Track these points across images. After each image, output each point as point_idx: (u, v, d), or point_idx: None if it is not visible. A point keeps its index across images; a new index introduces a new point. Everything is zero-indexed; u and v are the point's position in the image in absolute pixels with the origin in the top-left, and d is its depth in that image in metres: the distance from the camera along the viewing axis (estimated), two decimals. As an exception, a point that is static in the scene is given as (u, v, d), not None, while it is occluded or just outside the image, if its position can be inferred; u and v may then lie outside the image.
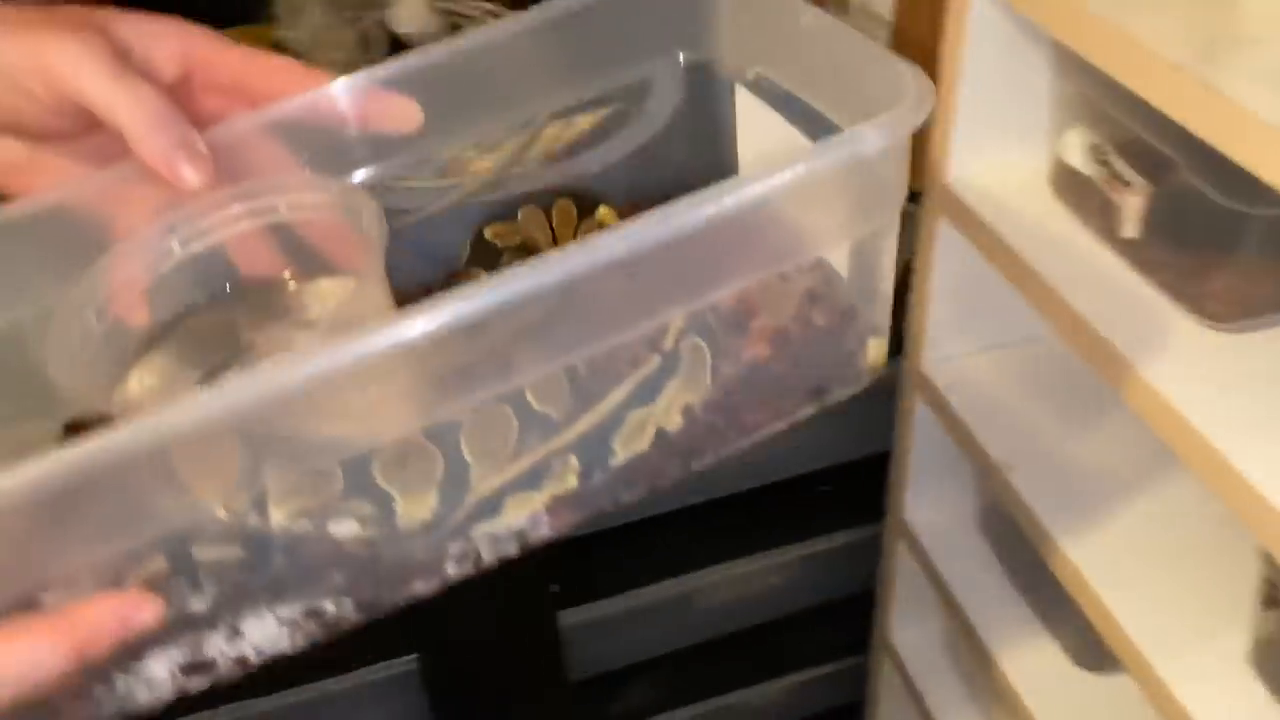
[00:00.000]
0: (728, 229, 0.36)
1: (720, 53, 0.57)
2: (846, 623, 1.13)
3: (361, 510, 0.39)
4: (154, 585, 0.37)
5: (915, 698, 1.01)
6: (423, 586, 0.41)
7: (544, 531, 0.42)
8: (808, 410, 0.45)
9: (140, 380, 0.43)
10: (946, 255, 0.77)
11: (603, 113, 1.00)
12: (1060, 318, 0.62)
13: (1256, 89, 0.46)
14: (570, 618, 1.02)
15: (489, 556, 0.42)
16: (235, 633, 0.38)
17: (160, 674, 0.38)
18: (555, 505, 0.42)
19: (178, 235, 0.43)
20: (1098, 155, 0.62)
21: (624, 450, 0.42)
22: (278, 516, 0.38)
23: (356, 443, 0.37)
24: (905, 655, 1.03)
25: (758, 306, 0.44)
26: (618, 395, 0.42)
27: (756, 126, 0.57)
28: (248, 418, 0.32)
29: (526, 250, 0.59)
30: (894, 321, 0.44)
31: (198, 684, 0.38)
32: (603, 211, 0.60)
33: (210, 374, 0.44)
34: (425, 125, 0.52)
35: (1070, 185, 0.67)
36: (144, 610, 0.34)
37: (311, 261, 0.47)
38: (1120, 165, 0.60)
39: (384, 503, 0.39)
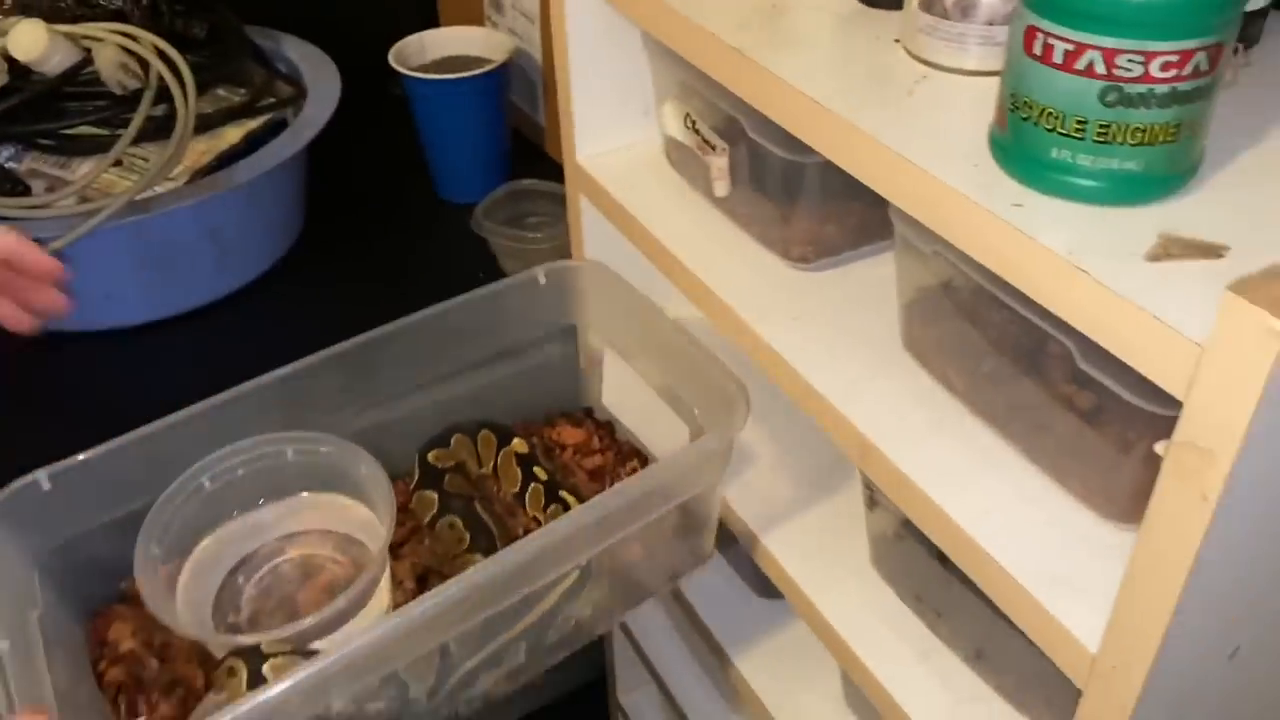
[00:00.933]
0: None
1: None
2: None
3: (390, 693, 0.59)
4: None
5: (640, 653, 1.06)
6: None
7: (501, 690, 0.65)
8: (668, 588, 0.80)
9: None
10: (593, 230, 0.82)
11: (252, 124, 1.00)
12: (674, 272, 0.69)
13: (784, 59, 0.54)
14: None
15: (465, 712, 0.64)
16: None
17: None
18: (510, 674, 0.65)
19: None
20: (689, 124, 0.68)
21: (555, 634, 0.66)
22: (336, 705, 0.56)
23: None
24: (628, 617, 1.08)
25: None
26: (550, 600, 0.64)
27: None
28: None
29: (462, 470, 0.75)
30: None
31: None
32: (516, 442, 0.75)
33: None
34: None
35: (677, 153, 0.74)
36: None
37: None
38: (706, 131, 0.66)
39: (402, 686, 0.59)
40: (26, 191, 0.92)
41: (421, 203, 1.19)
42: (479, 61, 1.14)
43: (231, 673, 0.57)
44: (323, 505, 0.68)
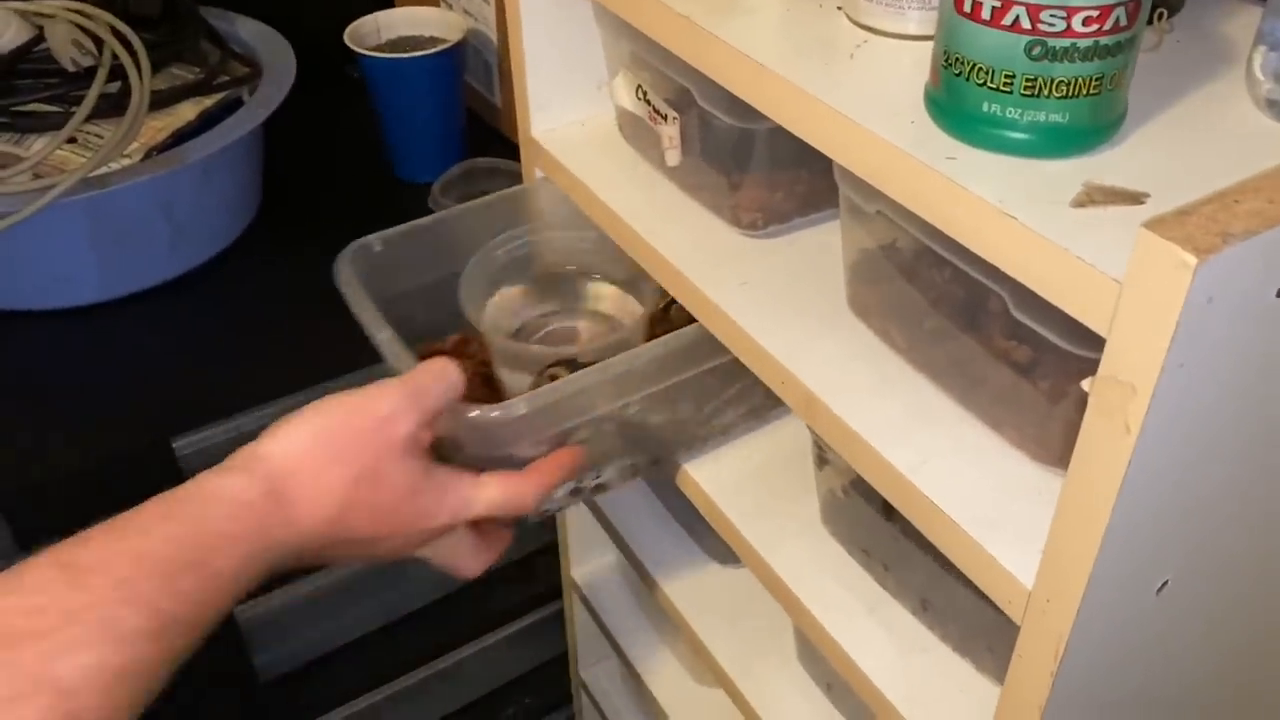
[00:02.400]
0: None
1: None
2: (543, 573, 1.19)
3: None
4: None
5: (602, 627, 1.07)
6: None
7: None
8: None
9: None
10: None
11: (208, 102, 1.00)
12: (628, 241, 0.70)
13: (731, 27, 0.55)
14: (249, 612, 1.01)
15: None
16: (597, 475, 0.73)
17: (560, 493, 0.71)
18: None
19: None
20: (641, 95, 0.69)
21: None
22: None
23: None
24: (589, 591, 1.10)
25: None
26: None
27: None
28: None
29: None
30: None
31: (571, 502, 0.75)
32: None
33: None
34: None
35: (630, 126, 0.75)
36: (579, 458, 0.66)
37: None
38: (657, 101, 0.68)
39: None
40: (-18, 169, 0.92)
41: (378, 182, 1.20)
42: (434, 41, 1.14)
43: (554, 377, 0.67)
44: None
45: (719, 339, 0.64)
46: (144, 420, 0.91)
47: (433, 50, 1.11)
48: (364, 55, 1.11)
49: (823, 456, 0.67)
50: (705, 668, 0.86)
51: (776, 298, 0.64)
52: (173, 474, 0.88)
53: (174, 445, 0.89)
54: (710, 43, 0.56)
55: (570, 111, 0.81)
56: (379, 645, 1.15)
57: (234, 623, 1.01)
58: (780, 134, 0.53)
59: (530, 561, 1.22)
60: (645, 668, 1.05)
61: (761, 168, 0.64)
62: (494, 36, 1.18)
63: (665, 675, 1.04)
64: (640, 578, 0.92)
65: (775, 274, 0.65)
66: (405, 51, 1.12)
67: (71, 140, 0.94)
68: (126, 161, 0.94)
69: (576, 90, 0.80)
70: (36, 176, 0.92)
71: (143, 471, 0.89)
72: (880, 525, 0.62)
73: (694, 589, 0.89)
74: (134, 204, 0.95)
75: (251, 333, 1.00)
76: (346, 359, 0.89)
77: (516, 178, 0.87)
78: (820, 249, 0.67)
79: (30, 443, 0.89)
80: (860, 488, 0.63)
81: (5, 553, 0.87)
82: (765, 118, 0.54)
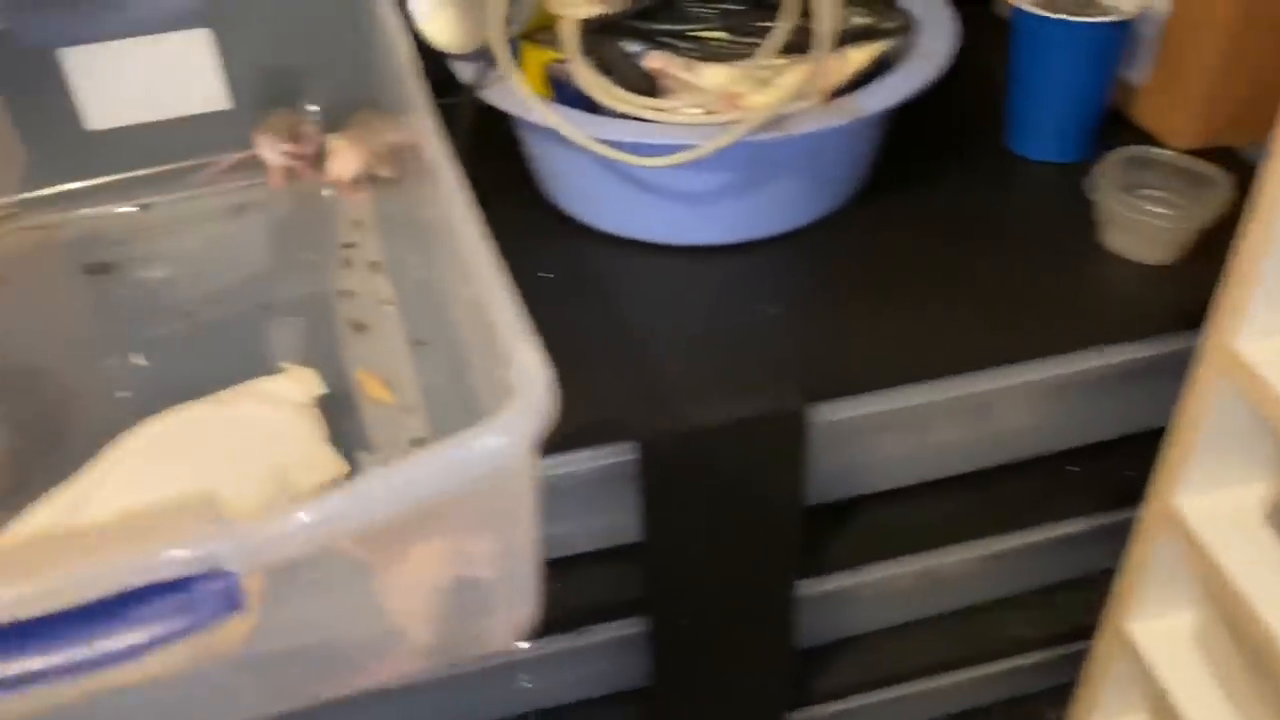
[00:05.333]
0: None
1: None
2: (1066, 610, 1.09)
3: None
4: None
5: (1154, 689, 0.95)
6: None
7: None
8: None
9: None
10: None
11: (877, 48, 0.92)
12: None
13: None
14: (804, 589, 0.96)
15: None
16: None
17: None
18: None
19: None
20: None
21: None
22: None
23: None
24: (1142, 645, 0.98)
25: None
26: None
27: None
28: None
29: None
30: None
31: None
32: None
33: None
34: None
35: None
36: None
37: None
38: None
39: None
40: (651, 92, 0.89)
41: (984, 148, 1.09)
42: (1096, 8, 1.02)
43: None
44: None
45: None
46: (777, 382, 0.85)
47: (1105, 18, 0.98)
48: (1025, 10, 1.00)
49: None
50: None
51: None
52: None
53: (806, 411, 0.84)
54: None
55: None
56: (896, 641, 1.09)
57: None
58: None
59: (1051, 593, 1.12)
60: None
61: None
62: (1161, 11, 1.04)
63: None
64: (1253, 657, 0.78)
65: None
66: (1068, 13, 0.99)
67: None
68: (802, 104, 0.88)
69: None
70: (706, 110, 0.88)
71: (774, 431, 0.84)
72: None
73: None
74: (799, 150, 0.90)
75: (856, 288, 0.93)
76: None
77: (1183, 177, 0.85)
78: None
79: (654, 385, 0.86)
80: None
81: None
82: None
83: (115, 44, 1.03)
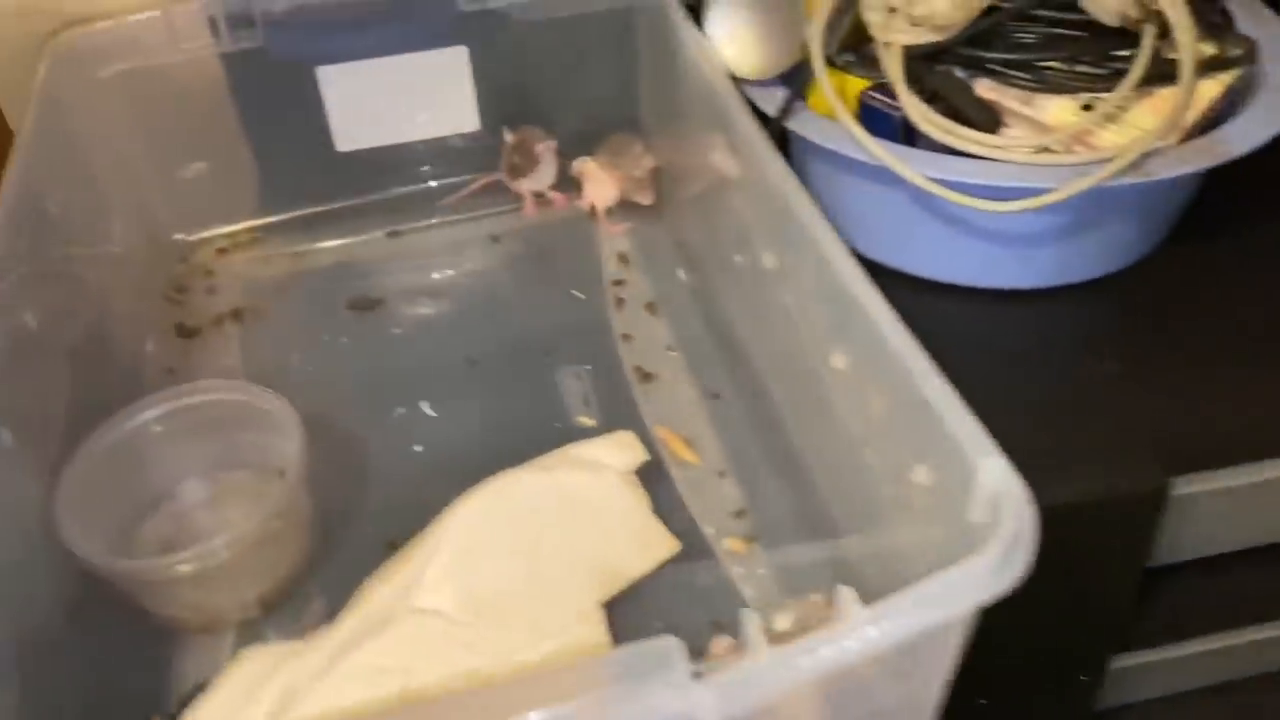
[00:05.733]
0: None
1: None
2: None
3: None
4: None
5: None
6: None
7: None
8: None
9: None
10: None
11: (1227, 80, 0.84)
12: None
13: None
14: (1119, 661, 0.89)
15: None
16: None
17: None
18: None
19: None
20: None
21: None
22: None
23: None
24: None
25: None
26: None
27: None
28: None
29: None
30: None
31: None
32: None
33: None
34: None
35: None
36: None
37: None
38: None
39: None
40: (994, 128, 0.81)
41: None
42: None
43: None
44: None
45: None
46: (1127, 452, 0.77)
47: None
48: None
49: None
50: None
51: None
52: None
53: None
54: None
55: None
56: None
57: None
58: None
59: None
60: None
61: None
62: None
63: None
64: None
65: None
66: None
67: (1086, 106, 0.81)
68: (1159, 143, 0.79)
69: None
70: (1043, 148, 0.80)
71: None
72: None
73: None
74: (1140, 191, 0.81)
75: (1181, 334, 0.84)
76: None
77: None
78: None
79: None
80: None
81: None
82: None
83: (370, 62, 0.97)
